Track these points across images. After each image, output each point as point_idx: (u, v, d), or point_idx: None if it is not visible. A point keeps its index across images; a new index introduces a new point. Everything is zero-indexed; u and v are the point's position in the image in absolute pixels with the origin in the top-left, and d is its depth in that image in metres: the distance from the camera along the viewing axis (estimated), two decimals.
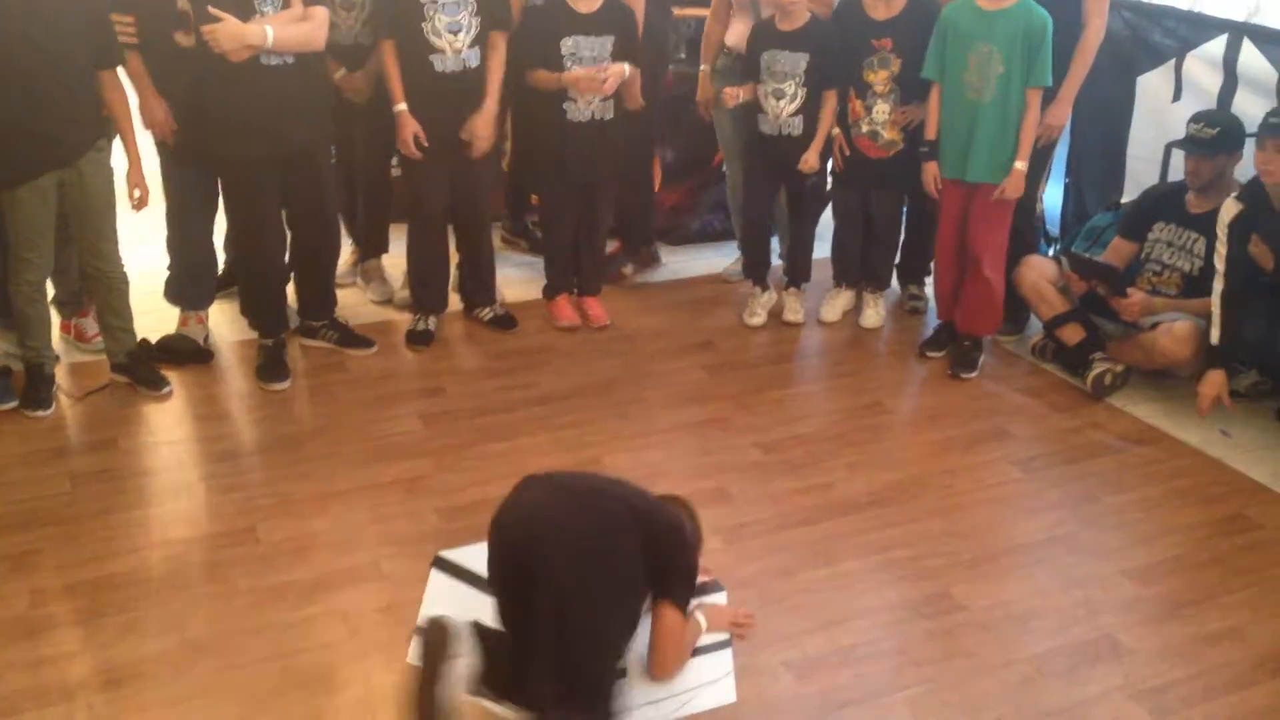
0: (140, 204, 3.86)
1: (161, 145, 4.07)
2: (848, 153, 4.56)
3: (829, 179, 4.74)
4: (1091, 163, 5.03)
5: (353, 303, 4.76)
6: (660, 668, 2.67)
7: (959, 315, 4.46)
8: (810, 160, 4.48)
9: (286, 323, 4.34)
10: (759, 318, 4.78)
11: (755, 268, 4.87)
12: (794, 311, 4.80)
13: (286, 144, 3.92)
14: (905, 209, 4.88)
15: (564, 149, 4.42)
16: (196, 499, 3.46)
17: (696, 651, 2.73)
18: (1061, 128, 4.38)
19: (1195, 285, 4.14)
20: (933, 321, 4.70)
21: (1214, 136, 4.03)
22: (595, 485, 2.66)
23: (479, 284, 4.68)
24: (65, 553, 3.17)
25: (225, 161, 3.96)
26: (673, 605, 2.63)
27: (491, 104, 4.23)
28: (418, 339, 4.49)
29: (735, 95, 4.45)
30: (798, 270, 4.84)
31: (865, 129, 4.50)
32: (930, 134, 4.26)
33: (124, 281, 3.95)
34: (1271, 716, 2.69)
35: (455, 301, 4.75)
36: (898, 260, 4.99)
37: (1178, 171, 4.39)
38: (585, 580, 2.42)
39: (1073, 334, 4.32)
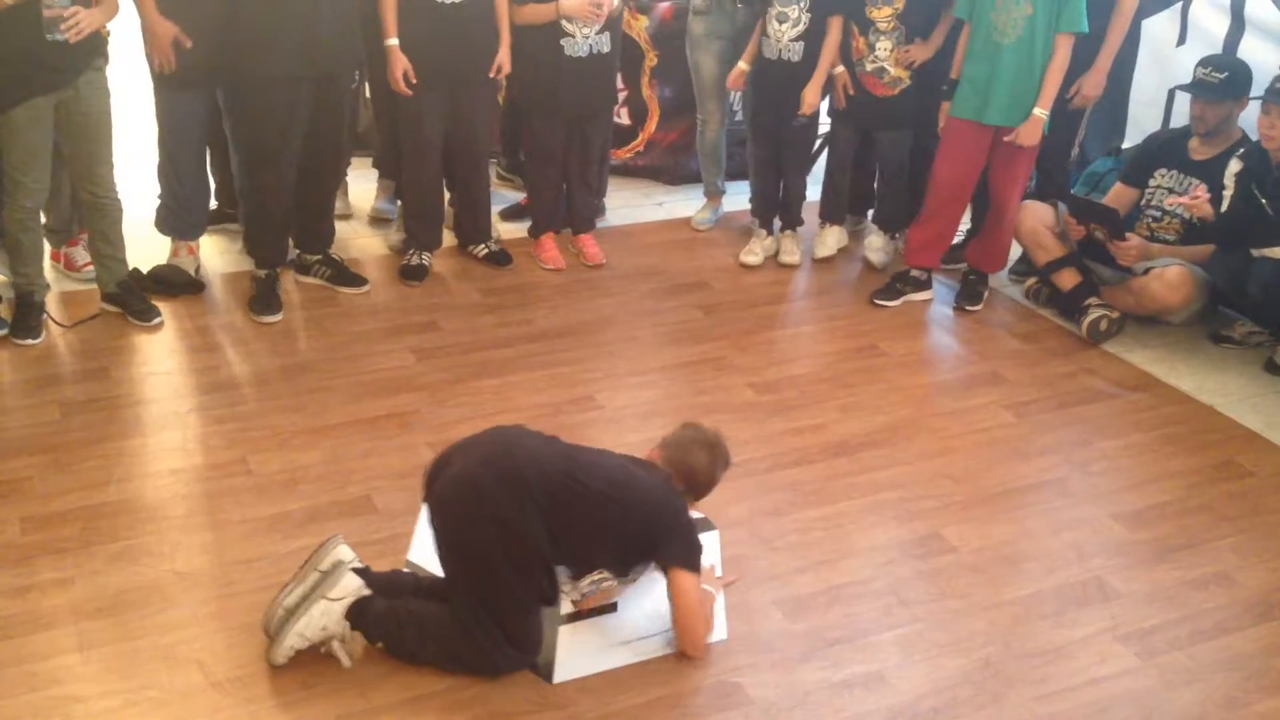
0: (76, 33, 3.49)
1: (160, 71, 3.98)
2: (853, 92, 4.50)
3: (820, 121, 4.68)
4: (1093, 108, 4.97)
5: (346, 235, 4.72)
6: (689, 644, 2.60)
7: (970, 250, 4.48)
8: (809, 98, 4.42)
9: (286, 254, 4.30)
10: (756, 257, 4.73)
11: (761, 208, 4.82)
12: (790, 253, 4.77)
13: (318, 62, 3.87)
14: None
15: (560, 84, 4.36)
16: (188, 429, 3.45)
17: None
18: (1097, 97, 4.33)
19: (1194, 232, 4.12)
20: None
21: (1222, 81, 3.99)
22: (527, 451, 2.56)
23: (474, 220, 4.63)
24: (55, 481, 3.16)
25: (257, 78, 3.88)
26: (677, 569, 2.53)
27: (508, 37, 4.23)
28: (412, 274, 4.45)
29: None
30: (792, 215, 4.80)
31: (870, 67, 4.44)
32: (955, 73, 4.17)
33: (118, 208, 3.90)
34: (1256, 660, 2.72)
35: (449, 238, 4.70)
36: None
37: (1181, 117, 4.35)
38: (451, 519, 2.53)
39: (1068, 279, 4.29)
